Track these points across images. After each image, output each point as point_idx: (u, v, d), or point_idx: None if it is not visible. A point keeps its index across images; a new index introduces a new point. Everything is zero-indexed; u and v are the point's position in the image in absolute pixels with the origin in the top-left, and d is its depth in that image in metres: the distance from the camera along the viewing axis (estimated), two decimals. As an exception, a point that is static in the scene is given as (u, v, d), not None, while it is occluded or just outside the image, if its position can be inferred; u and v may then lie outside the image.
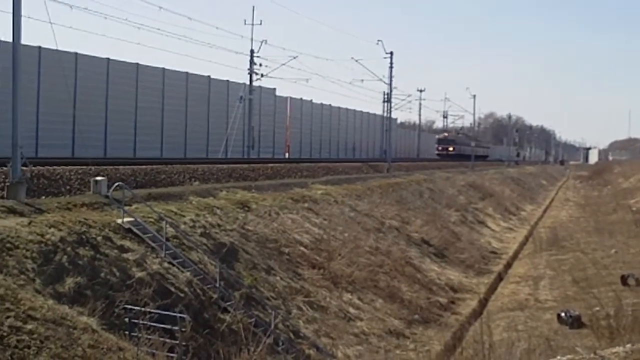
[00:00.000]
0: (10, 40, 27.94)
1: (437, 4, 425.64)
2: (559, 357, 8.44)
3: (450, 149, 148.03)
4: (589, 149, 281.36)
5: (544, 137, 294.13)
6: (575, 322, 30.12)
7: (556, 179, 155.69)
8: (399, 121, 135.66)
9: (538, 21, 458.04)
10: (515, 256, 55.78)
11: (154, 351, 17.53)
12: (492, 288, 43.69)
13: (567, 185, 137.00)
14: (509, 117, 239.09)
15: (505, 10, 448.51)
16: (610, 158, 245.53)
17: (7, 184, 26.66)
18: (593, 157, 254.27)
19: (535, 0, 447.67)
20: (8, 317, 17.07)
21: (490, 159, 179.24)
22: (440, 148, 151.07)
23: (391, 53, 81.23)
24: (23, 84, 28.50)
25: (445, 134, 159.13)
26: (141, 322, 17.42)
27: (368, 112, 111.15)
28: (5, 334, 16.42)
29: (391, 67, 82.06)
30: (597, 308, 27.33)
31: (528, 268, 48.92)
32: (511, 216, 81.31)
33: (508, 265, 51.56)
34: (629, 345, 8.89)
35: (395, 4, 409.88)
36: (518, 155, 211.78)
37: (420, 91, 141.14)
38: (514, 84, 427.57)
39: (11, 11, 27.02)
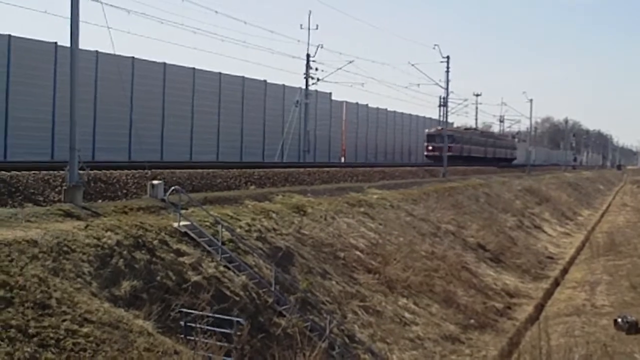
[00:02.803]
0: (69, 45, 28.13)
1: (493, 8, 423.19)
2: None
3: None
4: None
5: (601, 141, 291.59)
6: (633, 328, 29.80)
7: (613, 184, 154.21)
8: (455, 125, 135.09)
9: (596, 24, 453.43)
10: (571, 261, 55.27)
11: (211, 355, 17.49)
12: (549, 293, 43.32)
13: (624, 190, 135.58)
14: (566, 121, 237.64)
15: (563, 14, 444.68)
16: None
17: (65, 187, 26.83)
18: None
19: (591, 4, 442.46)
20: (64, 320, 17.13)
21: (518, 163, 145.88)
22: (430, 148, 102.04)
23: (447, 57, 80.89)
24: (80, 88, 28.64)
25: (439, 128, 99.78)
26: (197, 325, 17.37)
27: (424, 117, 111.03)
28: (61, 337, 16.48)
29: (447, 72, 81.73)
30: (655, 314, 26.98)
31: (585, 273, 48.47)
32: (568, 221, 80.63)
33: (565, 271, 51.11)
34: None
35: (452, 8, 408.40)
36: (575, 159, 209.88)
37: (477, 95, 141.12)
38: (571, 88, 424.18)
39: (69, 16, 27.21)
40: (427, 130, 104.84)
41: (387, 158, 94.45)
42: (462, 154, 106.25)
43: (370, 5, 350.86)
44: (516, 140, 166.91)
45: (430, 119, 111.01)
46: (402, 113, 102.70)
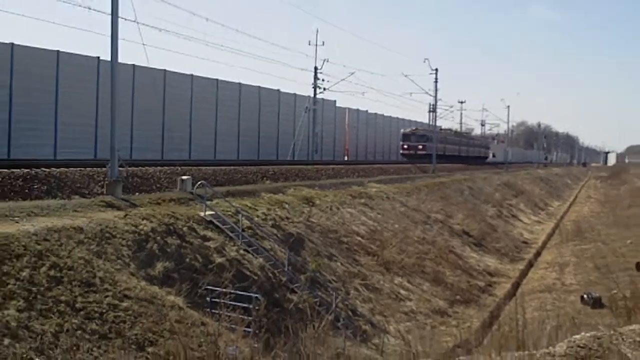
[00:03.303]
0: (109, 59, 28.19)
1: (477, 26, 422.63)
2: (582, 334, 8.24)
3: (420, 147, 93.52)
4: (608, 152, 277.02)
5: (568, 142, 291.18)
6: (596, 303, 29.81)
7: (579, 179, 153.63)
8: (443, 127, 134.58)
9: (564, 40, 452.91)
10: (544, 246, 55.19)
11: (233, 326, 17.50)
12: (524, 273, 43.31)
13: (588, 185, 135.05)
14: (539, 125, 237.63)
15: (537, 31, 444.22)
16: (627, 161, 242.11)
17: (106, 182, 26.90)
18: (611, 160, 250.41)
19: (560, 23, 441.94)
20: (107, 296, 17.20)
21: (492, 161, 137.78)
22: (405, 146, 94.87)
23: (436, 70, 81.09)
24: (119, 97, 28.69)
25: (414, 128, 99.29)
26: (221, 301, 17.39)
27: (416, 121, 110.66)
28: (104, 310, 16.55)
29: (436, 82, 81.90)
30: (615, 291, 26.92)
31: (555, 256, 48.43)
32: (540, 211, 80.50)
33: (538, 254, 51.05)
34: (644, 323, 8.74)
35: (441, 25, 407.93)
36: (546, 158, 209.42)
37: (461, 102, 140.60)
38: (543, 96, 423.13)
39: (110, 34, 27.26)
40: (402, 130, 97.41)
41: (384, 157, 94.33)
42: (436, 152, 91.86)
43: (369, 23, 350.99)
44: (495, 142, 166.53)
45: (421, 123, 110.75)
46: (397, 118, 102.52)
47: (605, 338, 7.97)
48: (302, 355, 10.47)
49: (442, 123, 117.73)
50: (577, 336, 8.15)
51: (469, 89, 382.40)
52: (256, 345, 16.98)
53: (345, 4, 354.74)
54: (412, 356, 8.29)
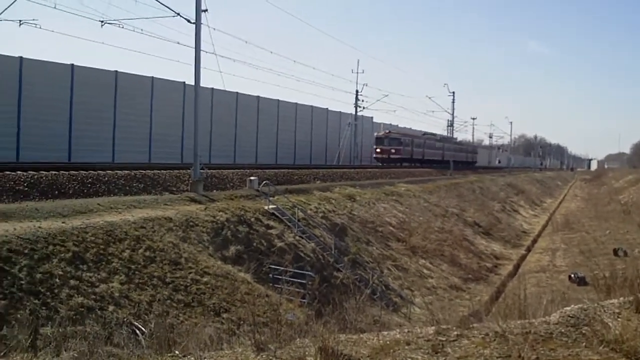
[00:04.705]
0: (193, 83, 28.29)
1: (486, 56, 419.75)
2: (572, 306, 8.18)
3: (393, 151, 73.69)
4: (591, 159, 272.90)
5: (559, 151, 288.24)
6: (581, 281, 29.32)
7: (568, 181, 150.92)
8: (458, 139, 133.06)
9: (554, 69, 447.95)
10: (539, 235, 54.35)
11: (292, 297, 17.45)
12: (523, 257, 42.69)
13: (575, 185, 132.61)
14: (535, 137, 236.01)
15: (533, 60, 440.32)
16: (606, 166, 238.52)
17: (190, 181, 27.04)
18: (593, 166, 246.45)
19: (549, 55, 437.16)
20: (190, 272, 17.24)
21: (498, 166, 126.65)
22: (378, 150, 74.03)
23: (453, 92, 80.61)
24: (200, 113, 28.78)
25: (387, 131, 77.24)
26: (282, 277, 17.34)
27: (443, 135, 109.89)
28: (188, 284, 16.59)
29: (453, 102, 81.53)
30: (597, 271, 26.47)
31: (548, 243, 47.78)
32: (536, 206, 79.29)
33: (534, 241, 50.30)
34: (621, 298, 8.70)
35: (458, 52, 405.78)
36: (541, 164, 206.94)
37: (473, 119, 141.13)
38: (539, 113, 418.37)
39: (194, 63, 27.36)
40: (375, 134, 76.09)
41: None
42: (412, 156, 79.22)
43: (400, 54, 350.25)
44: (500, 150, 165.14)
45: (441, 135, 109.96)
46: (420, 131, 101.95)
47: (590, 309, 7.93)
48: (346, 322, 10.35)
49: (458, 136, 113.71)
50: (568, 308, 8.13)
51: (480, 107, 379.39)
52: (310, 313, 16.90)
53: (382, 39, 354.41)
54: (435, 322, 8.17)
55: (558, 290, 27.39)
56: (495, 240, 46.40)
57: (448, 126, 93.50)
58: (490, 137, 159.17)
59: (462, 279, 33.11)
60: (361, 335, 7.72)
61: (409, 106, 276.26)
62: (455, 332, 7.40)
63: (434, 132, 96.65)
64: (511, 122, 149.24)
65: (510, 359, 6.50)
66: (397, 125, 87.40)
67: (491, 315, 10.67)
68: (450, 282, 31.69)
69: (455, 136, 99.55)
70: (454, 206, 49.28)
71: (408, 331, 7.71)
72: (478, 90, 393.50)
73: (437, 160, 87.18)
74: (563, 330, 7.29)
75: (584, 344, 6.90)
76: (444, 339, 7.22)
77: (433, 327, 7.70)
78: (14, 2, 29.57)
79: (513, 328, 7.31)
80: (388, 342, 7.23)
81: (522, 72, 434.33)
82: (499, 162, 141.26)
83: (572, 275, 30.90)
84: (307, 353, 7.05)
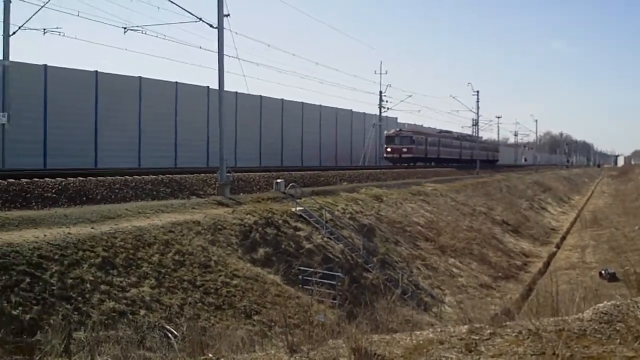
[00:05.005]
0: (216, 88, 28.33)
1: (512, 54, 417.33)
2: (605, 302, 8.05)
3: (404, 150, 67.90)
4: (618, 156, 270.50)
5: (585, 147, 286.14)
6: (612, 278, 29.13)
7: (595, 178, 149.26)
8: (483, 138, 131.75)
9: (579, 68, 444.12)
10: (568, 232, 53.97)
11: (323, 299, 17.40)
12: (553, 254, 42.44)
13: (602, 182, 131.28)
14: (561, 134, 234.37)
15: (557, 60, 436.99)
16: (633, 162, 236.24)
17: (217, 185, 27.06)
18: (620, 162, 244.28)
19: (576, 53, 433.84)
20: (220, 275, 17.24)
21: (524, 164, 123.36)
22: (389, 149, 68.27)
23: (477, 92, 79.99)
24: (225, 117, 28.77)
25: (398, 130, 71.58)
26: (312, 279, 17.27)
27: (461, 133, 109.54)
28: (218, 287, 16.59)
29: (477, 101, 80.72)
30: (627, 267, 26.21)
31: (577, 240, 47.46)
32: (564, 204, 78.67)
33: (563, 238, 49.95)
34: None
35: (481, 52, 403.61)
36: (567, 161, 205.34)
37: (498, 117, 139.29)
38: (565, 110, 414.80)
39: (217, 68, 27.36)
40: (385, 132, 70.14)
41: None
42: (427, 155, 73.59)
43: (424, 53, 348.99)
44: (526, 148, 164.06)
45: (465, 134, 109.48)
46: (446, 130, 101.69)
47: (623, 306, 7.80)
48: (377, 322, 10.26)
49: (483, 135, 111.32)
50: (600, 305, 8.00)
51: (505, 106, 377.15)
52: (340, 314, 16.83)
53: (405, 39, 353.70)
54: (468, 321, 8.08)
55: (589, 286, 27.09)
56: (524, 238, 46.11)
57: (473, 125, 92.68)
58: (516, 135, 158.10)
59: (491, 277, 32.93)
60: (394, 335, 7.65)
61: (433, 106, 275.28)
62: (489, 331, 7.30)
63: (449, 129, 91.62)
64: (536, 120, 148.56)
65: (544, 356, 6.41)
66: (421, 125, 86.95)
67: (522, 313, 10.58)
68: (480, 281, 31.52)
69: (481, 135, 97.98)
70: (481, 205, 49.03)
71: (441, 330, 7.62)
72: (503, 89, 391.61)
73: (454, 159, 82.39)
74: (596, 327, 7.16)
75: (618, 340, 6.77)
76: (477, 337, 7.13)
77: (466, 326, 7.61)
78: (38, 10, 29.88)
79: (546, 325, 7.20)
80: (421, 342, 7.16)
81: (546, 71, 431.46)
82: (525, 160, 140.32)
83: (603, 272, 30.68)
84: (340, 354, 6.98)
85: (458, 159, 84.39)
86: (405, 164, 66.37)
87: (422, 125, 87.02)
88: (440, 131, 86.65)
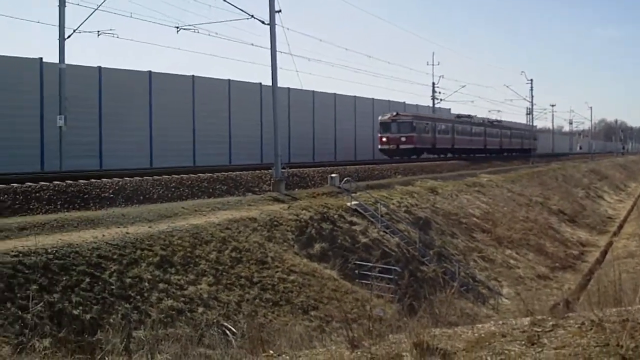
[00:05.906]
0: (269, 84, 28.37)
1: (568, 41, 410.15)
2: None
3: (403, 139, 53.30)
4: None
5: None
6: (673, 266, 28.53)
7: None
8: (537, 127, 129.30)
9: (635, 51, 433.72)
10: (625, 220, 52.72)
11: (382, 293, 17.31)
12: (610, 243, 41.55)
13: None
14: (616, 121, 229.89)
15: (611, 46, 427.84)
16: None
17: (272, 181, 27.12)
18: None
19: (623, 36, 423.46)
20: (277, 271, 17.24)
21: (578, 152, 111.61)
22: (384, 139, 53.95)
23: (531, 80, 78.92)
24: (279, 113, 28.75)
25: (394, 114, 55.00)
26: (369, 273, 17.14)
27: (516, 122, 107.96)
28: (275, 282, 16.59)
29: (531, 90, 79.60)
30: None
31: (635, 228, 46.29)
32: (620, 191, 76.96)
33: (620, 227, 48.84)
34: None
35: (536, 39, 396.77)
36: (623, 148, 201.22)
37: (552, 105, 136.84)
38: (619, 97, 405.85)
39: (270, 64, 27.40)
40: (380, 118, 55.30)
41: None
42: (435, 145, 59.73)
43: (476, 42, 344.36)
44: (581, 136, 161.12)
45: (520, 123, 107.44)
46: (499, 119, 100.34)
47: None
48: (436, 316, 10.11)
49: (537, 123, 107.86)
50: None
51: (559, 94, 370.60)
52: (399, 308, 16.69)
53: (456, 29, 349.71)
54: (529, 313, 7.90)
55: (648, 275, 26.54)
56: (581, 227, 45.32)
57: (527, 114, 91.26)
58: (570, 123, 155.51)
59: (549, 267, 32.48)
60: (455, 329, 7.49)
61: (486, 96, 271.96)
62: (551, 322, 7.10)
63: (470, 114, 77.18)
64: (591, 107, 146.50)
65: (608, 348, 6.19)
66: (475, 116, 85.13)
67: (581, 304, 10.35)
68: (537, 272, 31.09)
69: (535, 124, 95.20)
70: (537, 195, 48.33)
71: (503, 323, 7.45)
72: (556, 77, 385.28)
73: (475, 150, 69.20)
74: (661, 318, 6.90)
75: (684, 330, 6.51)
76: (539, 329, 6.94)
77: (528, 318, 7.42)
78: (92, 13, 30.30)
79: (609, 316, 6.96)
80: (483, 335, 6.99)
81: (600, 57, 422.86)
82: (580, 148, 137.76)
83: (662, 260, 29.97)
84: (402, 349, 6.86)
85: (482, 148, 72.25)
86: (407, 157, 53.64)
87: (475, 116, 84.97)
88: (459, 116, 73.77)
